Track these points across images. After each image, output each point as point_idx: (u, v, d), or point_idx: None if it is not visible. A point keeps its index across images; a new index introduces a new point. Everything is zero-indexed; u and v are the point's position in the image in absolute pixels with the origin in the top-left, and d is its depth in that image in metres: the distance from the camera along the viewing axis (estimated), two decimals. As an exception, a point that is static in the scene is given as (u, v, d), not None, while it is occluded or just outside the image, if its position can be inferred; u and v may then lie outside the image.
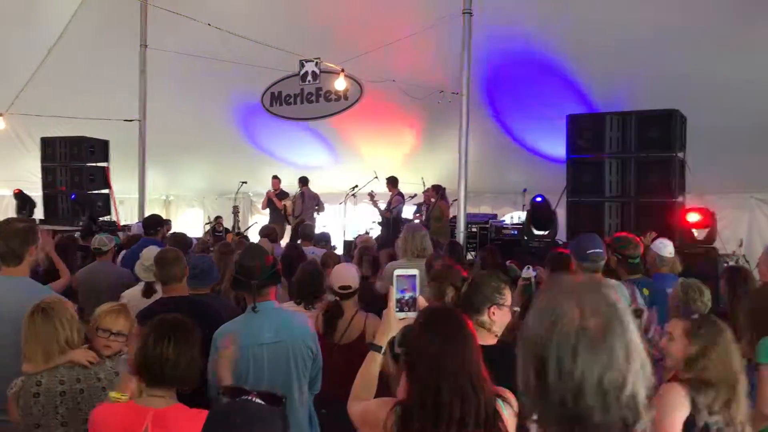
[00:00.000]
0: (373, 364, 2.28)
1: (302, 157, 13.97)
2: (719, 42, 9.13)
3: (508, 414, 2.02)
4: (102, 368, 2.93)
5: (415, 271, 2.30)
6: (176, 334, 2.40)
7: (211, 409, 1.89)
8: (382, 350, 2.29)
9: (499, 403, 2.01)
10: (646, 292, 4.13)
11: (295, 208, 12.19)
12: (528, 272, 4.76)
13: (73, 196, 11.60)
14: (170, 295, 3.62)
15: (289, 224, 12.19)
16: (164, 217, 15.75)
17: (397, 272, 2.29)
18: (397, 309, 2.25)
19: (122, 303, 3.17)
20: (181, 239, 5.93)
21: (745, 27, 9.01)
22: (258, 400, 1.74)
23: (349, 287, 3.83)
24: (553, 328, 1.15)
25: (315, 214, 12.30)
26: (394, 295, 2.26)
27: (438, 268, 3.88)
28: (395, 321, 2.24)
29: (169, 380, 2.37)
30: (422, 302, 2.28)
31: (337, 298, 3.82)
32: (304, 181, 12.40)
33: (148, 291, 4.42)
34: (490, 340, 2.64)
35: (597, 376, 1.11)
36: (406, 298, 2.26)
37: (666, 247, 4.89)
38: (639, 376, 1.14)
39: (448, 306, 2.21)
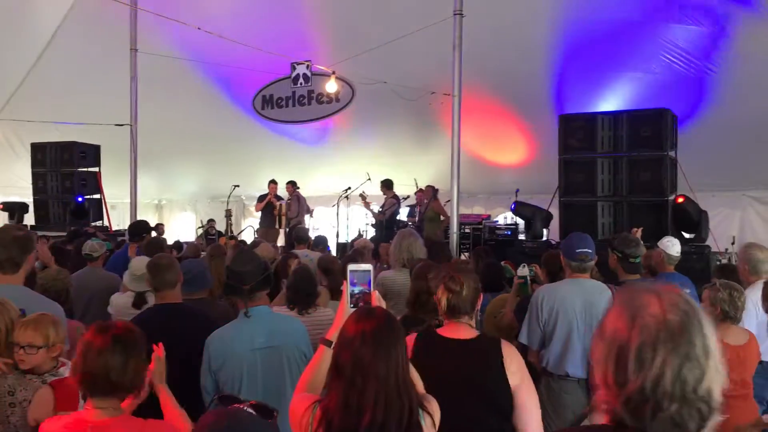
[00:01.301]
0: (323, 360, 2.23)
1: (294, 161, 13.94)
2: (710, 40, 9.17)
3: (428, 424, 2.00)
4: (20, 382, 2.78)
5: (368, 267, 2.33)
6: (120, 341, 2.26)
7: (202, 415, 1.87)
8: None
9: (419, 413, 1.98)
10: None
11: (290, 211, 12.12)
12: (523, 270, 4.75)
13: (81, 199, 11.49)
14: (163, 302, 3.58)
15: (281, 227, 12.15)
16: (157, 221, 15.79)
17: (351, 267, 2.32)
18: (351, 305, 2.27)
19: (41, 314, 2.96)
20: (156, 245, 5.88)
21: (738, 26, 9.05)
22: (250, 410, 1.73)
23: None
24: (633, 321, 1.18)
25: (308, 217, 12.28)
26: (347, 290, 2.28)
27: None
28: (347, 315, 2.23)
29: (115, 389, 2.23)
30: (376, 298, 2.29)
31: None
32: (294, 185, 12.36)
33: (139, 301, 4.35)
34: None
35: (677, 366, 1.14)
36: (357, 292, 2.28)
37: (674, 246, 4.88)
38: (715, 374, 1.16)
39: (383, 309, 2.21)
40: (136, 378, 2.28)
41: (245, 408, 1.74)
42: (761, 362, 4.35)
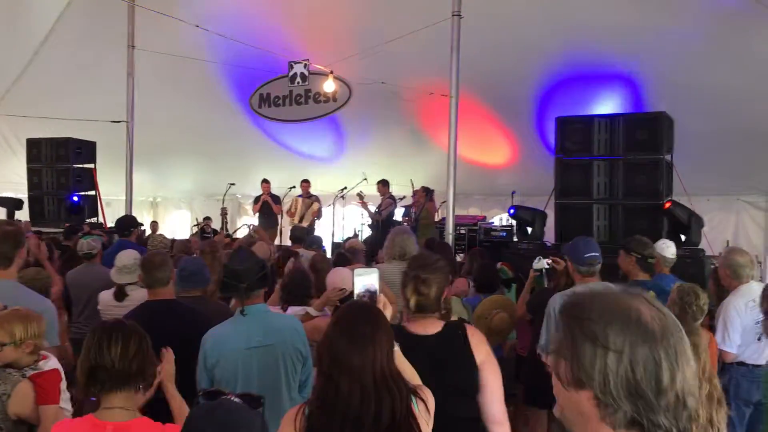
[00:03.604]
0: None
1: (290, 160, 13.94)
2: (708, 45, 9.21)
3: (421, 410, 2.03)
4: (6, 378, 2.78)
5: (374, 271, 2.39)
6: (119, 334, 2.28)
7: (191, 409, 1.89)
8: None
9: (413, 401, 2.01)
10: (652, 294, 4.15)
11: (301, 211, 11.80)
12: (540, 263, 4.74)
13: (77, 199, 11.47)
14: (155, 299, 3.59)
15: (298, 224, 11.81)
16: (152, 218, 15.78)
17: (357, 271, 2.37)
18: None
19: (12, 310, 2.95)
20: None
21: (735, 31, 9.08)
22: (237, 400, 1.76)
23: (345, 290, 3.82)
24: (636, 328, 1.15)
25: (316, 219, 12.03)
26: (355, 293, 2.34)
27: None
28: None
29: (122, 380, 2.23)
30: (381, 300, 2.33)
31: (337, 303, 3.80)
32: (309, 183, 12.13)
33: (119, 294, 4.44)
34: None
35: (686, 364, 1.15)
36: (366, 295, 2.34)
37: (669, 248, 4.93)
38: (690, 380, 1.16)
39: (369, 303, 2.24)
40: (142, 366, 2.29)
41: (232, 398, 1.76)
42: (746, 365, 4.39)
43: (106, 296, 4.57)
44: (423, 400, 2.06)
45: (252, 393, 1.92)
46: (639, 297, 1.20)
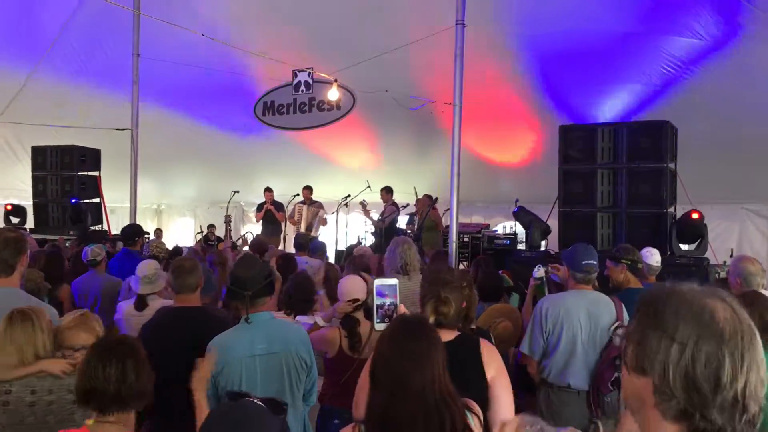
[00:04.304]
0: None
1: (295, 167, 13.96)
2: (713, 53, 9.22)
3: (476, 424, 2.02)
4: (74, 381, 2.85)
5: (394, 281, 2.36)
6: (117, 353, 2.23)
7: (213, 410, 1.90)
8: None
9: (467, 416, 2.00)
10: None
11: (315, 218, 11.75)
12: (539, 271, 4.73)
13: (74, 200, 11.50)
14: (182, 305, 3.57)
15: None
16: (156, 226, 15.81)
17: (377, 282, 2.35)
18: (378, 319, 2.29)
19: (83, 314, 3.03)
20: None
21: (741, 39, 9.09)
22: (259, 403, 1.76)
23: (358, 300, 3.78)
24: (708, 327, 1.16)
25: (321, 227, 12.02)
26: (374, 303, 2.32)
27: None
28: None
29: (123, 401, 2.19)
30: (402, 311, 2.32)
31: (349, 312, 3.78)
32: (311, 190, 12.12)
33: (140, 304, 4.44)
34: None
35: (755, 369, 1.15)
36: (387, 305, 2.31)
37: (653, 256, 4.93)
38: (757, 382, 1.16)
39: (420, 317, 2.21)
40: (139, 389, 2.24)
41: (254, 400, 1.76)
42: None
43: (125, 306, 4.57)
44: (476, 414, 2.06)
45: (277, 398, 1.90)
46: (717, 297, 1.22)
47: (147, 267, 4.56)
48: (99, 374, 2.17)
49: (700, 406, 1.15)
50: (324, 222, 11.73)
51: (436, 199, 10.26)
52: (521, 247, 9.15)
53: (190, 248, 8.94)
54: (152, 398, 2.33)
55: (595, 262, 3.78)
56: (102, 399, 2.17)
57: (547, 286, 4.69)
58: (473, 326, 2.90)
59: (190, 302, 3.56)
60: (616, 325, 3.61)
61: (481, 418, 2.07)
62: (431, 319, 2.63)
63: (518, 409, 4.74)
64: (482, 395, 2.53)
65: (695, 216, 7.38)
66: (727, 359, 1.14)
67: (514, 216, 8.98)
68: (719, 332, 1.15)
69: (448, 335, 2.63)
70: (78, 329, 2.89)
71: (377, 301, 2.32)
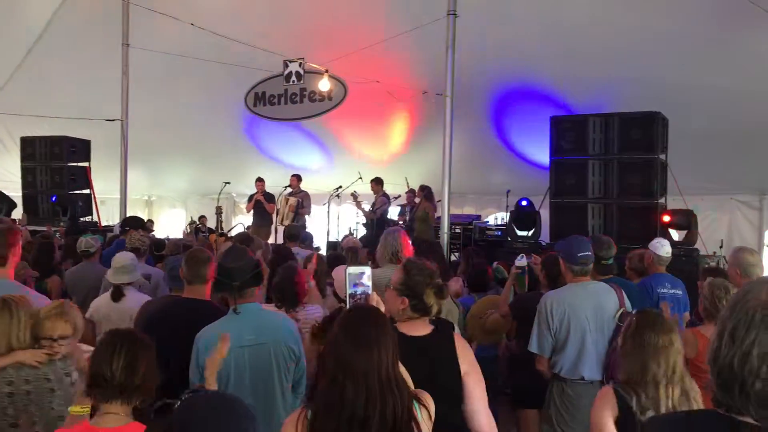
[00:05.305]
0: None
1: (285, 158, 13.92)
2: (702, 46, 9.22)
3: (424, 417, 2.03)
4: (52, 369, 2.83)
5: (366, 268, 2.39)
6: (128, 345, 2.26)
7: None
8: None
9: (415, 405, 2.01)
10: None
11: (302, 208, 11.61)
12: (521, 261, 4.74)
13: (53, 198, 11.46)
14: (188, 296, 3.55)
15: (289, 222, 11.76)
16: (147, 217, 15.73)
17: (349, 270, 2.39)
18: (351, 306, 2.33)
19: (61, 304, 3.02)
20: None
21: (729, 32, 9.10)
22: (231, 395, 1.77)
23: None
24: (737, 305, 1.26)
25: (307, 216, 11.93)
26: (347, 291, 2.34)
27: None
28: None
29: (127, 393, 2.22)
30: (374, 298, 2.33)
31: (342, 304, 3.75)
32: (299, 178, 12.01)
33: (116, 294, 4.42)
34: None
35: (766, 346, 1.19)
36: (358, 293, 2.35)
37: (663, 247, 4.95)
38: None
39: (370, 306, 2.23)
40: (147, 379, 2.26)
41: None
42: None
43: (97, 302, 4.54)
44: (425, 406, 2.05)
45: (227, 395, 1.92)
46: None
47: (122, 257, 4.55)
48: (107, 366, 2.21)
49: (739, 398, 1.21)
50: (293, 209, 11.43)
51: (430, 189, 10.23)
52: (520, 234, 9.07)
53: (175, 240, 8.89)
54: (153, 396, 2.35)
55: (590, 253, 3.81)
56: (105, 390, 2.20)
57: (527, 276, 4.71)
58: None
59: (200, 294, 3.53)
60: (620, 311, 3.63)
61: (431, 411, 2.06)
62: (434, 309, 2.63)
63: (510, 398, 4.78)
64: (456, 389, 2.55)
65: (665, 218, 7.45)
66: (728, 332, 1.24)
67: (519, 208, 8.87)
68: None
69: (424, 328, 2.64)
70: (56, 319, 2.88)
71: (349, 290, 2.35)
